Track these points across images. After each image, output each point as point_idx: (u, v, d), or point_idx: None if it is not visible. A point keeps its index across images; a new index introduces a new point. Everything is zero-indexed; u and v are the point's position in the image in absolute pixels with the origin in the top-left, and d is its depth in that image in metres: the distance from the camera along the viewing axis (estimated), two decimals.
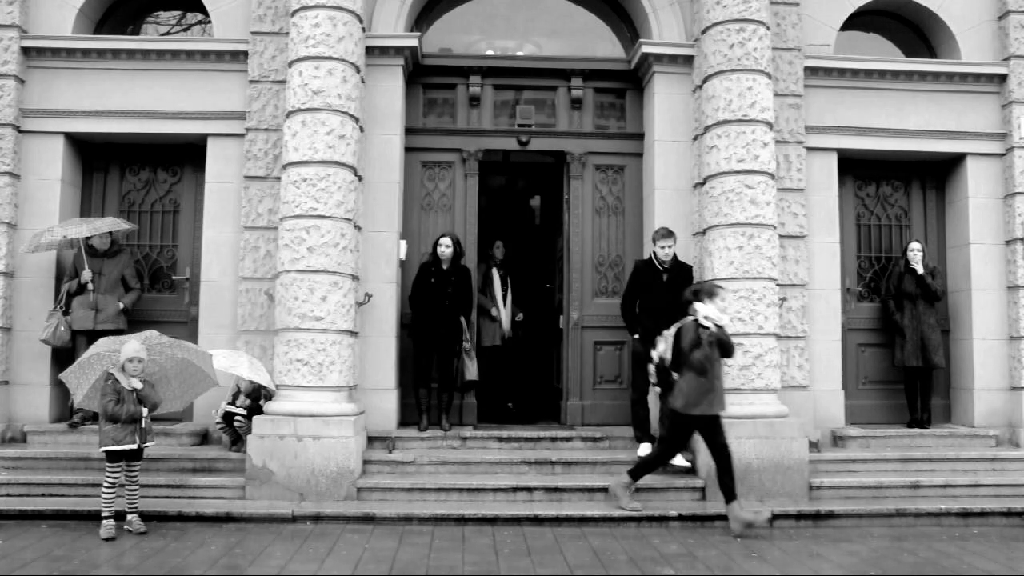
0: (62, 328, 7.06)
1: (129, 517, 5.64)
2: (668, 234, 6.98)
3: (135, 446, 5.62)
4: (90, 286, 7.09)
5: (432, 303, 7.18)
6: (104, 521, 5.53)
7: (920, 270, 7.62)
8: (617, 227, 8.02)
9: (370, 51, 7.36)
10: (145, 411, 5.61)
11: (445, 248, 7.20)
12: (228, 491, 6.41)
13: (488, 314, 8.10)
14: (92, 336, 7.00)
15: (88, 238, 7.17)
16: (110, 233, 7.28)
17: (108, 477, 5.59)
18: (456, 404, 7.55)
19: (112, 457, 5.59)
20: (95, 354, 5.83)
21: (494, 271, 8.34)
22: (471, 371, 7.32)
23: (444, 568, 4.94)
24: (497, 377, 8.25)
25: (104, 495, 5.57)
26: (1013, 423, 7.63)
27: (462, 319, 7.30)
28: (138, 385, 5.62)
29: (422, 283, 7.24)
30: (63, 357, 7.25)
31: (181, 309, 7.70)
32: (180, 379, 6.11)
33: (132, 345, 5.65)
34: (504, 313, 8.23)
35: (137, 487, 5.71)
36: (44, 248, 7.15)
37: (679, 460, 6.64)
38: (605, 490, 6.39)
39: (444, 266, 7.22)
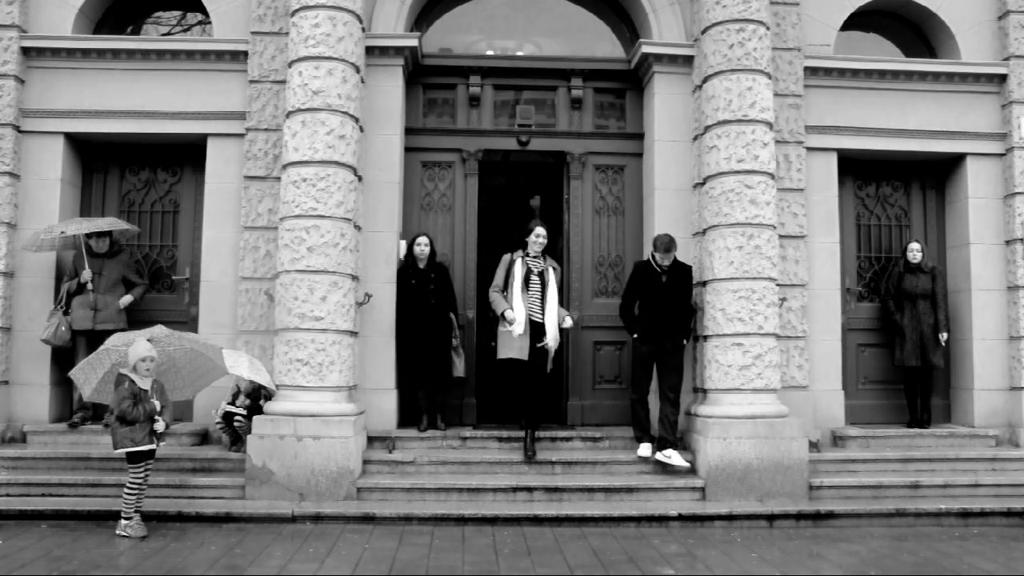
0: (62, 328, 7.05)
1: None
2: (669, 248, 6.86)
3: (154, 446, 5.63)
4: (90, 286, 7.08)
5: (418, 303, 7.17)
6: (122, 521, 5.54)
7: (918, 258, 7.67)
8: (617, 227, 8.02)
9: (370, 51, 7.36)
10: (161, 414, 5.60)
11: (424, 247, 7.20)
12: (228, 491, 6.41)
13: (503, 318, 6.86)
14: (92, 336, 7.02)
15: (88, 238, 7.17)
16: (109, 234, 7.28)
17: (132, 479, 5.56)
18: (456, 404, 7.55)
19: (133, 458, 5.57)
20: (103, 349, 5.84)
21: (518, 262, 6.99)
22: (458, 368, 7.33)
23: (444, 568, 4.94)
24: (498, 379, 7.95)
25: (127, 496, 5.56)
26: (1013, 423, 7.63)
27: (451, 315, 7.32)
28: (146, 386, 5.61)
29: (403, 286, 7.26)
30: (63, 357, 7.27)
31: (181, 309, 7.69)
32: (189, 368, 6.16)
33: (142, 345, 5.62)
34: (548, 318, 6.87)
35: (145, 487, 5.71)
36: (46, 248, 7.17)
37: (678, 460, 6.64)
38: (605, 490, 6.39)
39: (421, 265, 7.22)
